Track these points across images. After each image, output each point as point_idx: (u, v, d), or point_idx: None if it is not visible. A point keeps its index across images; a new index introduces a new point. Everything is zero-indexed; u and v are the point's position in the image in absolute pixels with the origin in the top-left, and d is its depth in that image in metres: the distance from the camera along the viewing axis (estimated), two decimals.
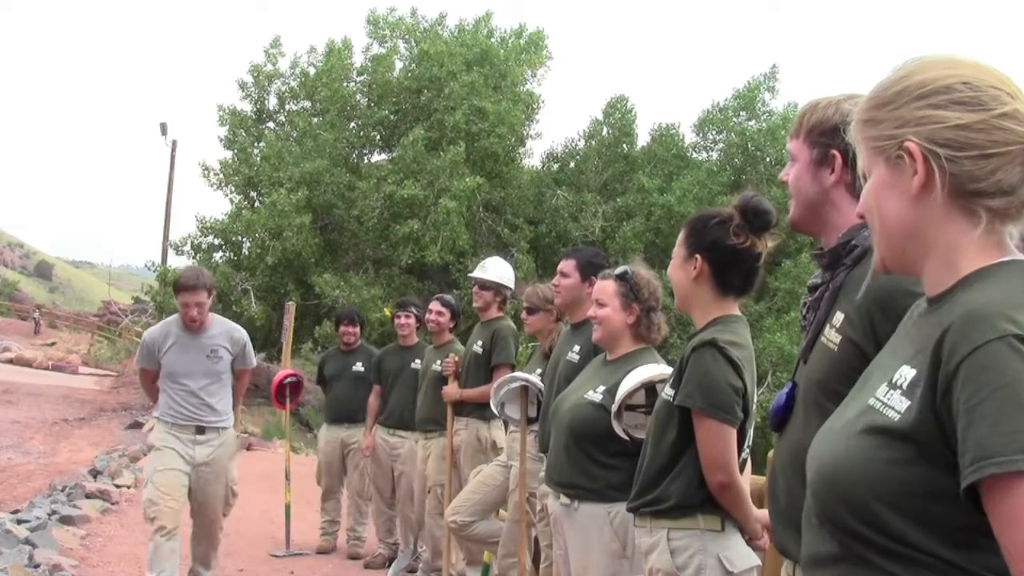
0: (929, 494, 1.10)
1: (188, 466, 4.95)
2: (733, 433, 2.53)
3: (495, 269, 5.51)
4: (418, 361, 6.32)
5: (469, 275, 5.79)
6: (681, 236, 2.70)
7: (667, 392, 2.65)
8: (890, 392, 1.17)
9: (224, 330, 5.16)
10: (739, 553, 2.58)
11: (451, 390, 5.40)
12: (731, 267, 2.62)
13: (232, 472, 5.21)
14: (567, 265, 4.11)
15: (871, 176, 1.25)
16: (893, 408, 1.15)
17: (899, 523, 1.12)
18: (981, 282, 1.15)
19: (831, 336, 1.79)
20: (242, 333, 5.23)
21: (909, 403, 1.13)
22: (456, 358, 5.55)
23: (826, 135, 1.89)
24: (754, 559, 2.59)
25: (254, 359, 5.36)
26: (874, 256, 1.30)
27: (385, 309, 8.64)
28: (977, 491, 1.04)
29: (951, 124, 1.16)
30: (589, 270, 4.02)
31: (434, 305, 6.07)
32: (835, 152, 1.89)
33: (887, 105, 1.22)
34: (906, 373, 1.16)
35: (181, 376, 5.00)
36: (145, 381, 5.30)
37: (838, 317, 1.79)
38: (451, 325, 6.03)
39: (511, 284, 5.49)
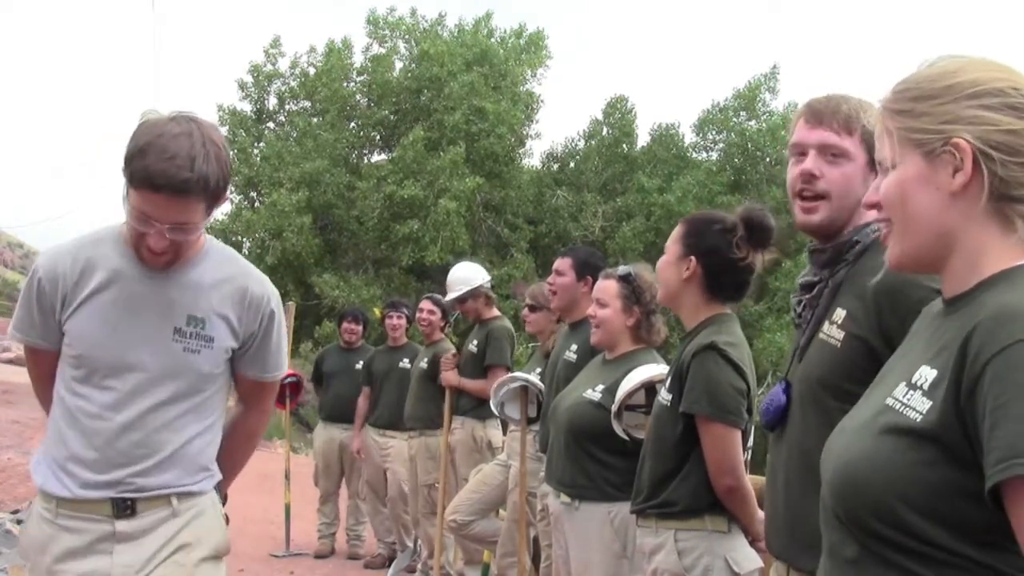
0: (952, 495, 1.09)
1: None
2: (739, 435, 2.54)
3: (457, 281, 5.48)
4: (407, 361, 6.31)
5: (445, 300, 5.75)
6: (677, 233, 2.67)
7: (664, 396, 2.64)
8: (910, 392, 1.15)
9: (230, 275, 2.24)
10: (745, 555, 2.58)
11: (451, 376, 5.39)
12: (725, 276, 2.61)
13: None
14: (563, 263, 4.10)
15: (899, 167, 1.23)
16: (914, 409, 1.13)
17: (923, 524, 1.11)
18: (1006, 284, 1.14)
19: (832, 332, 1.77)
20: (266, 288, 2.28)
21: (931, 403, 1.11)
22: (454, 353, 5.56)
23: None
24: (758, 560, 2.59)
25: (285, 359, 2.36)
26: (891, 251, 1.26)
27: (375, 309, 8.64)
28: (1000, 492, 1.02)
29: (1003, 128, 1.14)
30: (585, 269, 4.01)
31: (425, 304, 6.06)
32: None
33: (932, 99, 1.20)
34: (926, 373, 1.15)
35: (107, 371, 2.12)
36: (38, 373, 2.31)
37: (839, 313, 1.77)
38: (442, 324, 6.03)
39: (479, 280, 5.46)
